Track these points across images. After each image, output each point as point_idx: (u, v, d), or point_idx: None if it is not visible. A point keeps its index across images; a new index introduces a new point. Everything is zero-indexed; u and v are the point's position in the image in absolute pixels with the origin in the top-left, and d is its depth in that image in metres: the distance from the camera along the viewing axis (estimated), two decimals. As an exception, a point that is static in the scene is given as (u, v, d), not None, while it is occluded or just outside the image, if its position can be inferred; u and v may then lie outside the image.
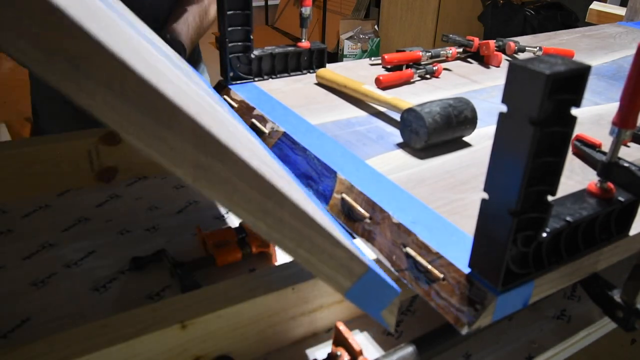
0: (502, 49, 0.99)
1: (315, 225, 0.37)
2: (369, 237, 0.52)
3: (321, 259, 0.38)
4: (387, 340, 0.55)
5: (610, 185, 0.47)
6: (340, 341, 0.48)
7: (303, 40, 0.86)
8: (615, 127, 0.44)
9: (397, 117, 0.69)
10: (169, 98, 0.28)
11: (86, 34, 0.24)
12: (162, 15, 1.04)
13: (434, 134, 0.62)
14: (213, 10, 1.09)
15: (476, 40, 0.97)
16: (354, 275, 0.40)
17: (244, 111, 0.74)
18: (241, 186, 0.32)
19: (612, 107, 0.79)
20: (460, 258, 0.44)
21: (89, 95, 0.26)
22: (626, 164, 0.47)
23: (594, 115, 0.76)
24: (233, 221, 0.72)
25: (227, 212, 0.73)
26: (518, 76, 0.34)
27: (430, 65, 0.89)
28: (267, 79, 0.84)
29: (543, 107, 0.33)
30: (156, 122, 0.28)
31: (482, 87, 0.86)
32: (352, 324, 0.56)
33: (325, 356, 0.50)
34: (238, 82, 0.81)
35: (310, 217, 0.36)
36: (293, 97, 0.78)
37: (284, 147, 0.66)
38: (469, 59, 0.99)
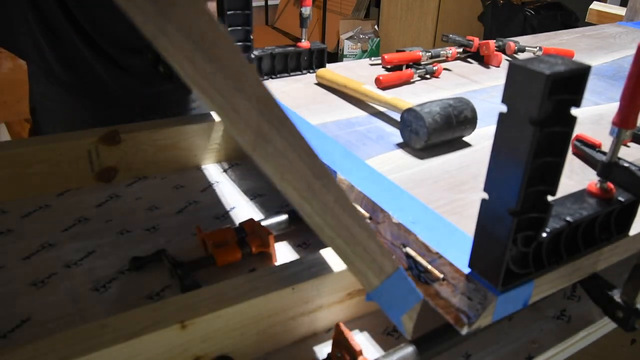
0: (502, 49, 0.99)
1: (355, 215, 0.37)
2: (369, 237, 0.52)
3: (356, 251, 0.38)
4: (387, 340, 0.55)
5: (610, 185, 0.47)
6: (340, 341, 0.48)
7: (303, 40, 0.86)
8: (615, 127, 0.44)
9: (397, 117, 0.69)
10: (244, 59, 0.28)
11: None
12: None
13: (434, 134, 0.62)
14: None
15: (476, 40, 0.97)
16: (383, 273, 0.40)
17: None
18: (295, 162, 0.33)
19: (612, 107, 0.79)
20: (460, 258, 0.44)
21: (170, 42, 0.26)
22: (626, 164, 0.47)
23: (594, 115, 0.76)
24: (233, 221, 0.72)
25: (227, 212, 0.73)
26: (518, 76, 0.34)
27: (430, 65, 0.89)
28: (267, 79, 0.84)
29: (543, 107, 0.33)
30: (227, 80, 0.28)
31: (482, 87, 0.86)
32: (352, 324, 0.56)
33: (325, 356, 0.50)
34: (238, 82, 0.81)
35: (352, 205, 0.36)
36: (293, 97, 0.78)
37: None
38: (469, 59, 0.99)
